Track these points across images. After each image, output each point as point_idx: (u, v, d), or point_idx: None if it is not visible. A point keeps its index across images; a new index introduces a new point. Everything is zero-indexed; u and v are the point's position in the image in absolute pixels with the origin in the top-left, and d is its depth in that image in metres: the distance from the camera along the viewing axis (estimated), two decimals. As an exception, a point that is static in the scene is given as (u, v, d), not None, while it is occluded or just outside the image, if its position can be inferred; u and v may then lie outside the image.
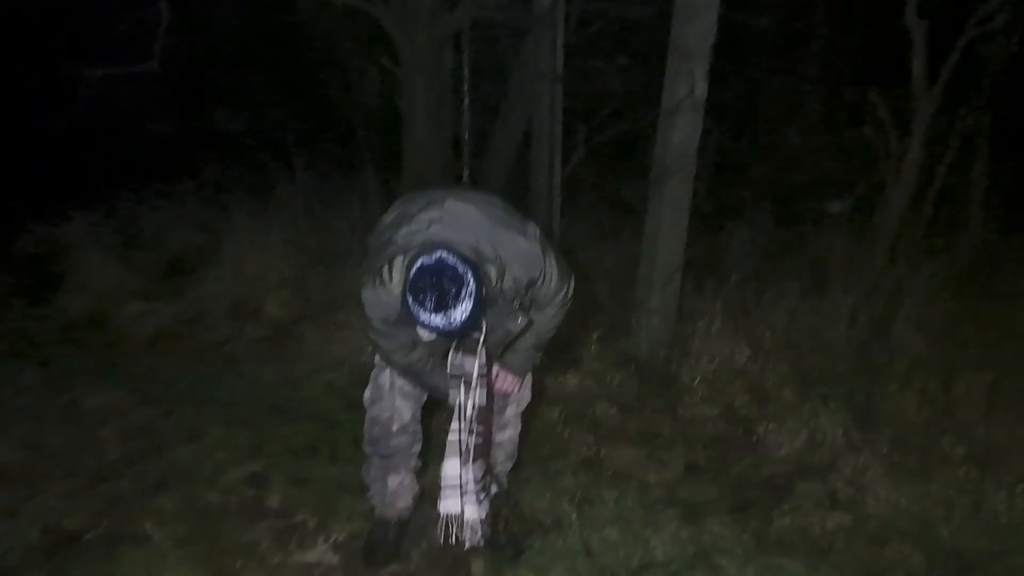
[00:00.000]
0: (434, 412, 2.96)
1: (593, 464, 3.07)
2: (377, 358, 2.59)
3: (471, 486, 2.46)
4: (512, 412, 2.69)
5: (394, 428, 2.60)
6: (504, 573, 2.50)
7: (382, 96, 6.89)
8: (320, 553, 2.54)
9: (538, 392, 2.95)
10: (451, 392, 2.45)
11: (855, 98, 6.19)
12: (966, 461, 2.86)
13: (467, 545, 2.48)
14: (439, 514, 2.50)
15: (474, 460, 2.45)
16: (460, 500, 2.47)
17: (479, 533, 2.47)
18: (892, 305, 4.49)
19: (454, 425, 2.46)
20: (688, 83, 3.99)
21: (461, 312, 2.07)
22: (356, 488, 2.89)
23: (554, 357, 4.02)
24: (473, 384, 2.40)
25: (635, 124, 5.62)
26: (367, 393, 2.66)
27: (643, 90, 4.98)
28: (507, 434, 2.71)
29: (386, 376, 2.57)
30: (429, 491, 2.74)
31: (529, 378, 2.64)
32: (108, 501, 2.82)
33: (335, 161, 6.73)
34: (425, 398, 2.62)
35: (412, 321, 2.15)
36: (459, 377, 2.42)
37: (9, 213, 5.94)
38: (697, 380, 3.57)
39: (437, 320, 2.08)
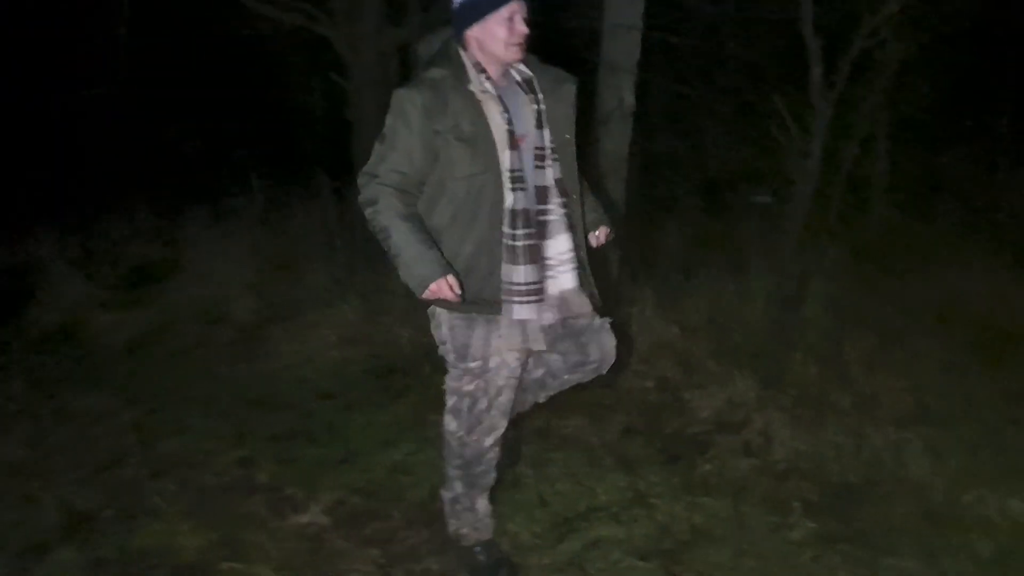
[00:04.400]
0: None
1: (544, 433, 3.51)
2: (452, 376, 2.49)
3: (582, 254, 2.46)
4: None
5: (488, 443, 2.53)
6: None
7: (333, 107, 7.19)
8: (312, 516, 2.92)
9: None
10: (513, 196, 2.32)
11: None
12: (853, 410, 3.41)
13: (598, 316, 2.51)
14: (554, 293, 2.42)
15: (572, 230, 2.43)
16: (575, 274, 2.44)
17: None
18: (802, 284, 5.05)
19: (553, 203, 2.38)
20: (617, 95, 4.46)
21: None
22: (337, 464, 3.29)
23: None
24: (548, 157, 2.37)
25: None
26: (452, 421, 2.53)
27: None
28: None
29: (480, 386, 2.46)
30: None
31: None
32: (115, 486, 3.16)
33: (289, 172, 7.03)
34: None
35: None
36: (538, 152, 2.35)
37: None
38: (634, 357, 4.04)
39: None
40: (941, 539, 2.68)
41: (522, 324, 2.38)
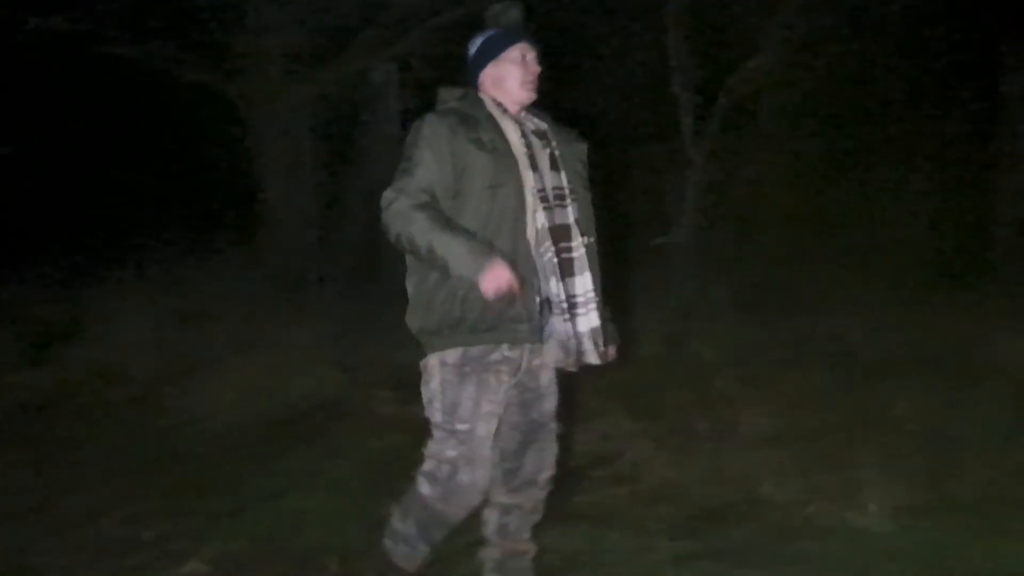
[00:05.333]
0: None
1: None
2: (436, 379, 2.35)
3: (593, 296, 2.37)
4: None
5: (459, 515, 2.40)
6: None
7: (239, 161, 7.32)
8: (194, 567, 2.98)
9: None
10: (537, 215, 2.29)
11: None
12: (716, 437, 3.68)
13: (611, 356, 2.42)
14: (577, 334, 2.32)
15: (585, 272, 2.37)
16: (597, 313, 2.36)
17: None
18: (687, 321, 5.37)
19: (576, 242, 2.34)
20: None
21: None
22: (226, 516, 3.36)
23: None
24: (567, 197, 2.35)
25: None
26: (427, 485, 2.37)
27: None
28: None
29: (464, 455, 2.33)
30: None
31: None
32: (3, 546, 3.18)
33: (192, 227, 7.09)
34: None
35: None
36: (557, 192, 2.34)
37: None
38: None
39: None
40: (787, 550, 2.90)
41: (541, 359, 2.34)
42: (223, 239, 6.42)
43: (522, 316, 2.28)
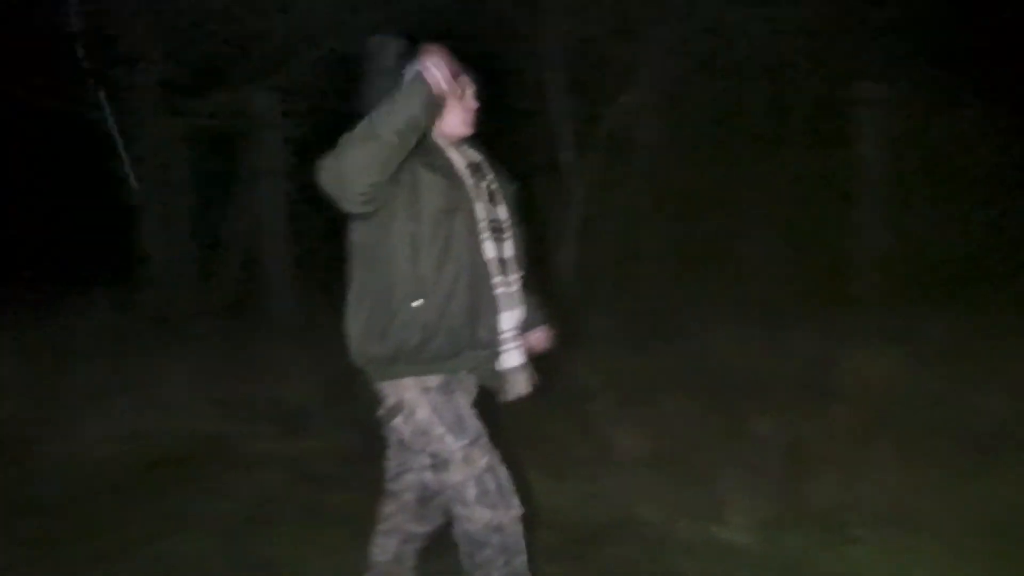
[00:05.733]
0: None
1: (312, 509, 3.62)
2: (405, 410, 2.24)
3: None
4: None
5: (517, 513, 2.27)
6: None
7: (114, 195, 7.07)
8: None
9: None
10: (486, 245, 2.26)
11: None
12: (594, 461, 3.85)
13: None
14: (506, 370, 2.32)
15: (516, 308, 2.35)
16: (521, 353, 2.36)
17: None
18: (569, 348, 5.52)
19: (497, 280, 2.29)
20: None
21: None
22: (95, 561, 3.22)
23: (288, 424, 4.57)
24: (505, 231, 2.34)
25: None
26: (485, 510, 2.22)
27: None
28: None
29: (492, 453, 2.26)
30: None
31: None
32: None
33: (61, 265, 6.79)
34: None
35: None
36: (494, 225, 2.31)
37: None
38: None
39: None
40: (658, 567, 3.05)
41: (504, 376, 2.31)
42: (96, 274, 6.16)
43: (484, 343, 2.24)
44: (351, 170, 2.09)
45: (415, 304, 2.17)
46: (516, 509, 2.25)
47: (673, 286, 7.89)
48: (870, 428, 4.06)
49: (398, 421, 2.25)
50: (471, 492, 2.19)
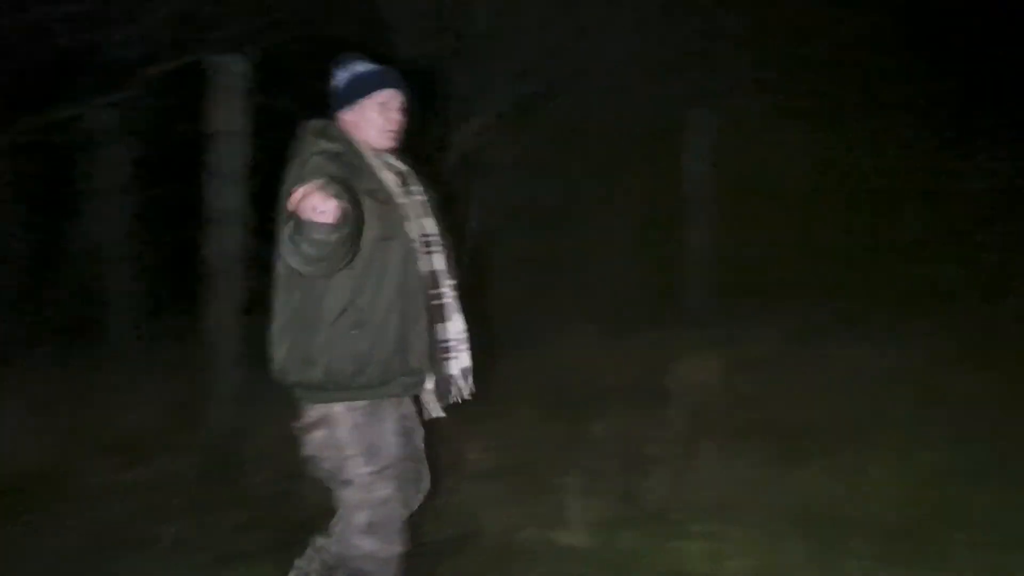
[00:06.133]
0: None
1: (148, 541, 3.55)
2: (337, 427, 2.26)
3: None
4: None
5: (400, 549, 2.34)
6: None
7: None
8: None
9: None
10: (420, 262, 2.29)
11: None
12: (443, 474, 3.93)
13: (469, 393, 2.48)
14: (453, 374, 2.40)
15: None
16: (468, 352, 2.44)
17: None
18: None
19: (445, 287, 2.36)
20: (223, 200, 4.70)
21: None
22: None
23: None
24: (434, 244, 2.36)
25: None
26: (370, 540, 2.27)
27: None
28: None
29: (395, 486, 2.31)
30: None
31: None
32: None
33: None
34: None
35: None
36: (426, 239, 2.33)
37: None
38: (252, 452, 4.23)
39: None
40: (499, 574, 3.21)
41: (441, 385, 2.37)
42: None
43: (415, 369, 2.29)
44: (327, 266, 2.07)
45: (352, 333, 2.18)
46: (400, 547, 2.32)
47: (521, 300, 8.12)
48: (697, 429, 4.41)
49: (316, 434, 2.27)
50: (362, 519, 2.26)
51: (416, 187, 2.41)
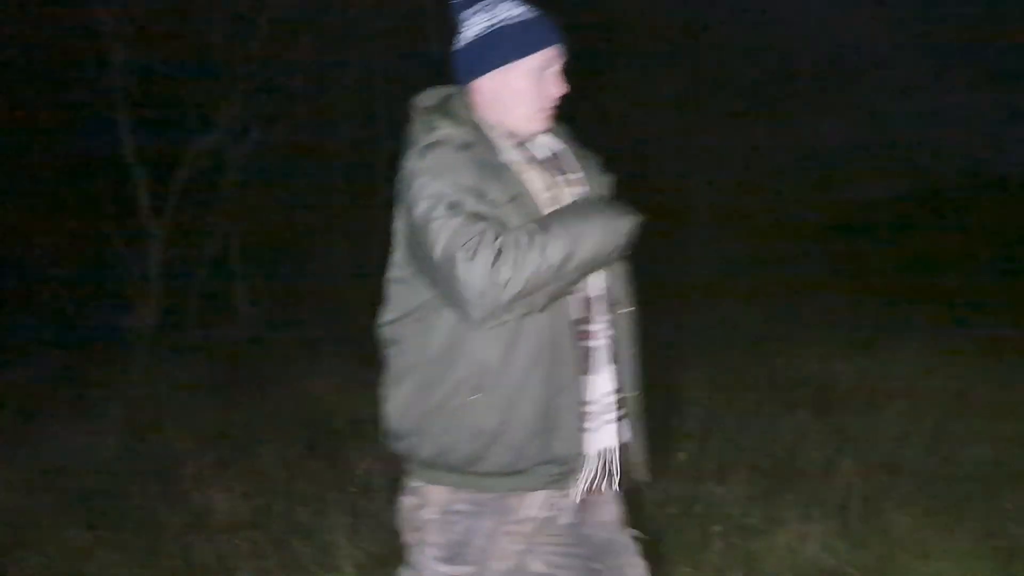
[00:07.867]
0: None
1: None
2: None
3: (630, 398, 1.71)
4: None
5: None
6: None
7: None
8: None
9: None
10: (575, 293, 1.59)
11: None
12: (185, 528, 3.54)
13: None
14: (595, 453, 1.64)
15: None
16: (620, 427, 1.68)
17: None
18: (157, 408, 5.06)
19: (598, 321, 1.63)
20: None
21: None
22: None
23: None
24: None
25: None
26: None
27: None
28: None
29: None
30: None
31: None
32: None
33: None
34: None
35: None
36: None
37: None
38: None
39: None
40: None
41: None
42: None
43: (561, 459, 1.60)
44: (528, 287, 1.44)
45: (471, 399, 1.54)
46: None
47: (264, 333, 7.70)
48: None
49: (410, 500, 1.67)
50: None
51: (574, 174, 1.67)
